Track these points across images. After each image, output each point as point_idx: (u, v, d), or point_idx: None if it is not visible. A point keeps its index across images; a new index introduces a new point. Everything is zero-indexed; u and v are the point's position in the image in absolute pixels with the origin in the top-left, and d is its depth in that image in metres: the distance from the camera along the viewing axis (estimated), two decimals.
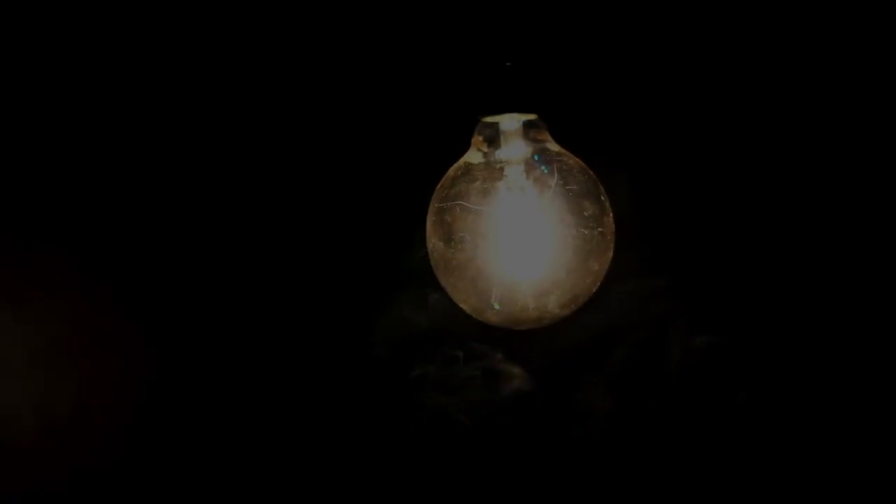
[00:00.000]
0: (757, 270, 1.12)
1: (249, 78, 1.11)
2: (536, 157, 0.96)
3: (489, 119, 0.97)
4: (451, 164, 0.99)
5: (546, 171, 0.95)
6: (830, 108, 1.12)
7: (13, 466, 1.12)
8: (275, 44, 1.11)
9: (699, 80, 1.12)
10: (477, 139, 0.97)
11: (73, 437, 1.13)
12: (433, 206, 0.97)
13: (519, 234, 0.94)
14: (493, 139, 0.97)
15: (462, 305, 0.97)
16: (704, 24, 1.12)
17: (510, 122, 0.97)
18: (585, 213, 0.94)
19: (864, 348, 1.14)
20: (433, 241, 0.96)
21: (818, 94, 1.12)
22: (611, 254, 0.98)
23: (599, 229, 0.95)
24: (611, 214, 0.97)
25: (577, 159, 0.98)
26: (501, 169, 0.96)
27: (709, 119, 1.12)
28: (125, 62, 1.11)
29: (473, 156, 0.97)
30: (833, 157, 1.13)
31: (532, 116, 0.97)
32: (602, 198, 0.96)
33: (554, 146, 0.97)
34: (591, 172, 0.97)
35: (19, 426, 1.12)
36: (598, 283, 0.98)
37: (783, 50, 1.12)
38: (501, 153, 0.97)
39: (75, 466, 1.13)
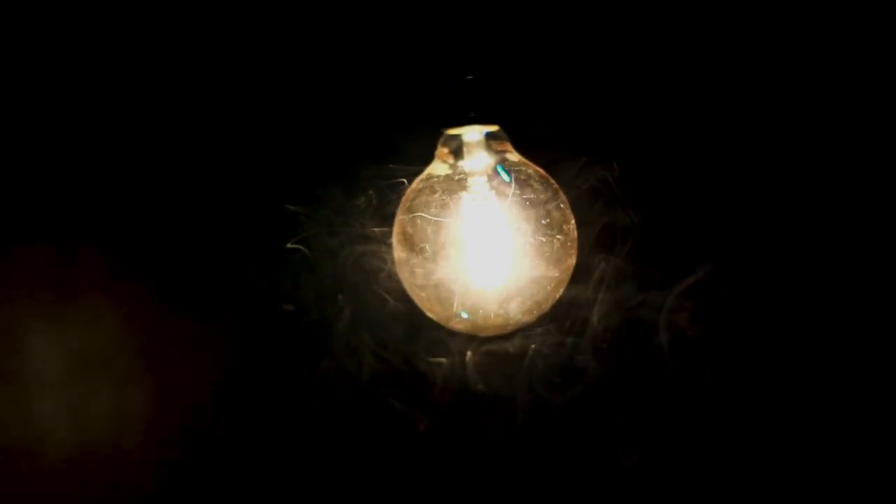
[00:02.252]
0: (738, 280, 1.13)
1: (218, 87, 1.14)
2: (499, 168, 0.98)
3: (452, 131, 0.99)
4: (415, 176, 1.01)
5: (507, 181, 0.97)
6: (812, 121, 1.13)
7: (48, 479, 1.15)
8: (248, 52, 1.13)
9: (663, 89, 1.13)
10: (441, 151, 1.00)
11: (110, 450, 1.16)
12: (397, 217, 0.99)
13: (480, 243, 0.96)
14: (457, 150, 0.99)
15: (429, 314, 0.99)
16: (670, 34, 1.13)
17: (473, 133, 0.99)
18: (543, 221, 0.96)
19: (865, 348, 1.14)
20: (398, 253, 0.99)
21: (795, 107, 1.13)
22: (572, 260, 0.99)
23: (559, 236, 0.97)
24: (572, 222, 0.99)
25: (538, 168, 0.99)
26: (464, 180, 0.98)
27: (674, 125, 1.13)
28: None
29: (437, 167, 1.00)
30: (824, 166, 1.13)
31: (494, 128, 0.99)
32: (562, 206, 0.98)
33: (514, 156, 0.99)
34: (552, 181, 0.99)
35: (55, 438, 1.15)
36: (561, 289, 0.99)
37: (753, 58, 1.12)
38: (465, 164, 0.99)
39: (111, 479, 1.17)
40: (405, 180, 1.04)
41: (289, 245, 1.10)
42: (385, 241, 1.06)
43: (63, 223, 1.14)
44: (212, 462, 1.18)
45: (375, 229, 1.08)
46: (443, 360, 1.09)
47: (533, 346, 1.09)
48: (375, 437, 1.17)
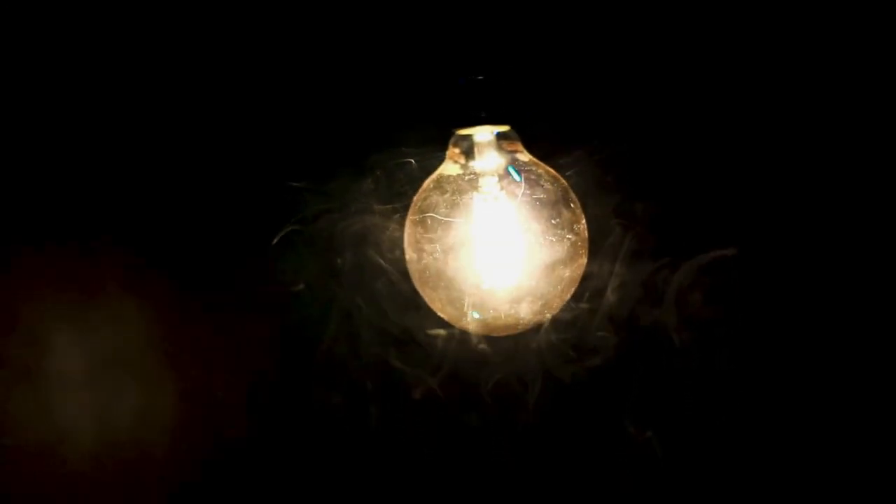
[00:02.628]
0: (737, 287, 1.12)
1: (226, 91, 1.15)
2: (509, 168, 0.98)
3: (463, 131, 0.99)
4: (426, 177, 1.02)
5: (517, 181, 0.97)
6: (821, 114, 1.13)
7: (70, 479, 1.16)
8: (255, 54, 1.14)
9: (672, 90, 1.13)
10: (452, 151, 1.00)
11: (132, 450, 1.17)
12: (408, 218, 1.00)
13: (490, 243, 0.97)
14: (468, 151, 0.99)
15: (440, 314, 1.00)
16: (677, 36, 1.13)
17: (484, 133, 0.99)
18: (553, 221, 0.96)
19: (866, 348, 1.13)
20: (409, 253, 0.99)
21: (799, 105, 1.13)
22: (583, 260, 0.99)
23: (569, 236, 0.97)
24: (583, 222, 0.99)
25: (548, 168, 0.99)
26: (475, 180, 0.98)
27: (681, 127, 1.13)
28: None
29: (448, 167, 1.00)
30: (840, 152, 1.13)
31: (505, 128, 0.99)
32: (572, 205, 0.98)
33: (525, 156, 0.99)
34: (562, 181, 0.99)
35: (78, 440, 1.16)
36: (572, 289, 0.99)
37: (760, 63, 1.12)
38: (476, 164, 0.99)
39: (133, 479, 1.18)
40: (413, 160, 1.05)
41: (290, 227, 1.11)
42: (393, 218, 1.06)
43: (85, 221, 1.15)
44: (234, 462, 1.19)
45: (388, 206, 1.08)
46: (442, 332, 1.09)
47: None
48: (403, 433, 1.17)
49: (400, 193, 1.07)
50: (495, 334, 1.00)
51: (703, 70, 1.14)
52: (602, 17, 1.13)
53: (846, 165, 1.13)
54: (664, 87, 1.13)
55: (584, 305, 1.08)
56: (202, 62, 1.14)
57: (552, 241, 0.96)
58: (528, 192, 0.96)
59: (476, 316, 0.98)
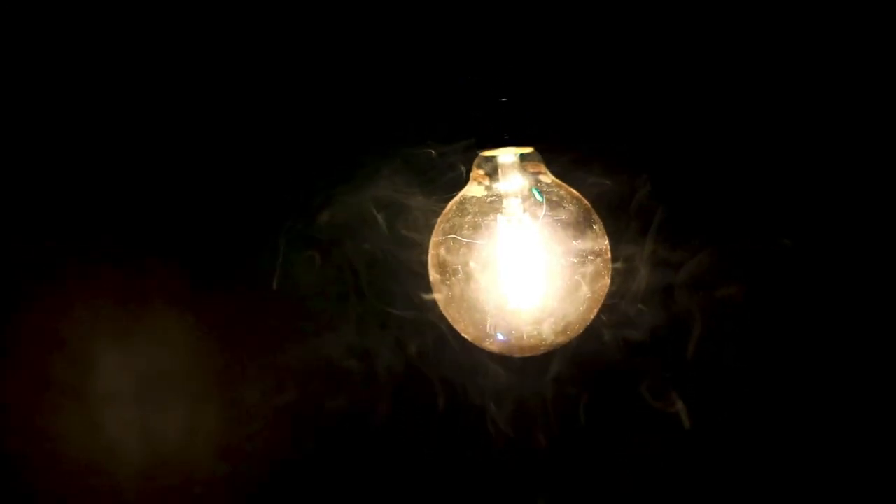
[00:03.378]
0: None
1: (249, 119, 1.17)
2: (533, 189, 0.99)
3: (487, 153, 1.00)
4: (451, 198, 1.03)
5: (540, 202, 0.98)
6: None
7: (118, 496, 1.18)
8: (282, 75, 1.16)
9: (691, 109, 1.14)
10: (476, 173, 1.01)
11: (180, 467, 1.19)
12: (432, 239, 1.01)
13: (513, 264, 0.97)
14: (492, 172, 1.00)
15: (464, 335, 1.00)
16: (696, 54, 1.13)
17: (507, 155, 1.00)
18: (575, 242, 0.96)
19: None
20: (432, 275, 1.00)
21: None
22: (606, 281, 0.99)
23: (590, 257, 0.97)
24: (605, 243, 0.99)
25: (571, 189, 1.00)
26: (499, 201, 0.99)
27: (702, 145, 1.14)
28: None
29: (472, 189, 1.01)
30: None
31: (528, 150, 1.00)
32: (595, 226, 0.98)
33: (548, 178, 1.00)
34: (585, 202, 0.99)
35: (125, 454, 1.18)
36: (595, 310, 0.99)
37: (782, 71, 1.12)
38: (499, 186, 1.00)
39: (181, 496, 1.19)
40: (433, 151, 1.06)
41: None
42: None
43: (133, 238, 1.17)
44: (282, 480, 1.21)
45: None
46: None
47: None
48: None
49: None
50: (518, 355, 1.00)
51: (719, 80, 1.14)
52: (626, 38, 1.13)
53: (862, 163, 1.13)
54: (685, 112, 1.14)
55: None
56: (237, 75, 1.16)
57: (574, 262, 0.96)
58: (549, 213, 0.97)
59: (500, 337, 0.98)
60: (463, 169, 1.06)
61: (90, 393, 1.17)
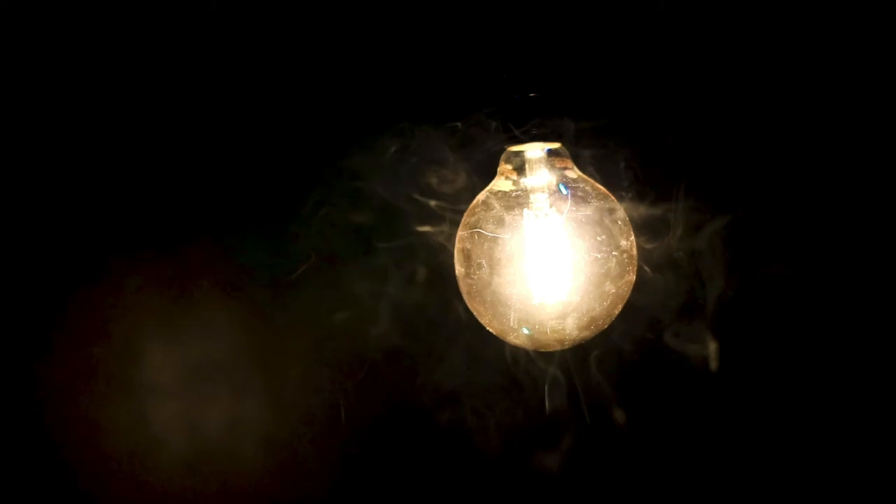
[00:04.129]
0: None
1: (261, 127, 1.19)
2: (561, 186, 0.99)
3: (515, 148, 1.01)
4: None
5: (565, 197, 0.98)
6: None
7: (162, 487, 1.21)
8: (306, 78, 1.17)
9: (717, 102, 1.13)
10: (503, 167, 1.01)
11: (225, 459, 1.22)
12: (458, 233, 1.02)
13: (538, 259, 0.98)
14: (519, 167, 1.01)
15: (488, 328, 1.01)
16: (723, 52, 1.13)
17: (535, 150, 1.00)
18: (599, 238, 0.96)
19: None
20: (458, 268, 1.01)
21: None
22: (631, 277, 0.99)
23: (614, 253, 0.97)
24: (631, 238, 0.99)
25: (597, 185, 1.00)
26: (526, 196, 0.99)
27: (726, 139, 1.14)
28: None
29: (499, 183, 1.01)
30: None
31: (556, 145, 1.00)
32: (620, 222, 0.98)
33: (574, 173, 1.00)
34: (612, 197, 0.99)
35: (171, 445, 1.21)
36: (620, 306, 0.99)
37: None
38: (526, 181, 1.00)
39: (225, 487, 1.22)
40: (459, 124, 1.07)
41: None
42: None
43: (178, 231, 1.19)
44: (327, 473, 1.22)
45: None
46: None
47: None
48: None
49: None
50: (543, 350, 1.01)
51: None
52: (650, 36, 1.13)
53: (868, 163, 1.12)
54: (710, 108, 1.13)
55: None
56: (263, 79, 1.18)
57: (597, 257, 0.96)
58: (574, 208, 0.97)
59: (525, 331, 0.99)
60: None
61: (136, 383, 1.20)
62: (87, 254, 1.19)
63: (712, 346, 1.11)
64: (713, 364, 1.11)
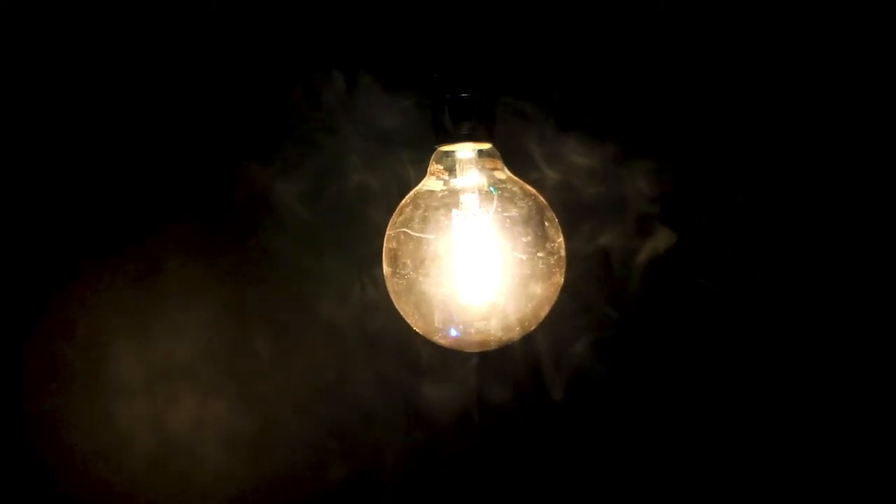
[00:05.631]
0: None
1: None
2: (492, 188, 0.99)
3: (446, 148, 1.00)
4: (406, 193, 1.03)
5: (493, 197, 0.98)
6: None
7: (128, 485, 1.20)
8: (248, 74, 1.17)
9: (657, 105, 1.13)
10: (434, 167, 1.01)
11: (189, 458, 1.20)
12: (387, 232, 1.01)
13: (464, 260, 0.97)
14: (450, 167, 1.00)
15: (415, 328, 1.01)
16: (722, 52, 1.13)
17: (465, 150, 1.00)
18: (524, 239, 0.96)
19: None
20: (385, 268, 1.00)
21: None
22: (558, 279, 0.99)
23: (539, 254, 0.96)
24: (558, 240, 0.98)
25: (525, 186, 1.00)
26: (455, 196, 0.99)
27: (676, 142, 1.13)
28: None
29: (429, 183, 1.01)
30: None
31: (487, 146, 1.00)
32: (546, 223, 0.98)
33: (503, 174, 1.00)
34: (540, 199, 0.99)
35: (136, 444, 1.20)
36: (547, 308, 0.99)
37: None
38: (456, 181, 1.00)
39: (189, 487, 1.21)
40: None
41: None
42: None
43: (148, 230, 1.18)
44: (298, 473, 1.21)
45: None
46: None
47: None
48: None
49: None
50: (468, 350, 1.00)
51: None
52: (588, 34, 1.13)
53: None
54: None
55: None
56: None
57: (522, 258, 0.96)
58: (500, 209, 0.97)
59: (453, 333, 0.98)
60: None
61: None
62: (55, 253, 1.18)
63: None
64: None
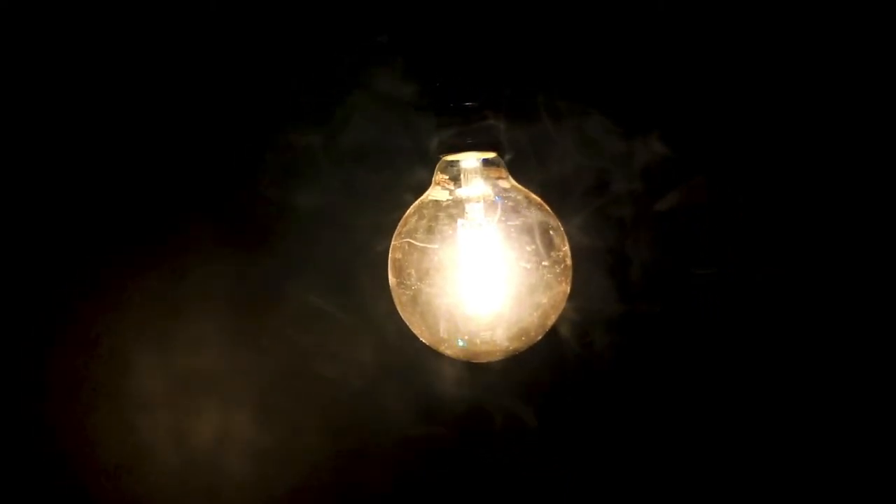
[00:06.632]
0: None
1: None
2: (497, 198, 0.98)
3: (450, 157, 1.00)
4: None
5: (497, 207, 0.97)
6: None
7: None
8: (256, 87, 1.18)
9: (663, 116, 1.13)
10: (438, 177, 1.01)
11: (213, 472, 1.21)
12: (392, 243, 1.01)
13: (469, 269, 0.97)
14: (454, 177, 1.00)
15: (421, 339, 1.00)
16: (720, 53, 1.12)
17: (470, 160, 1.00)
18: (528, 248, 0.95)
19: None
20: (390, 278, 1.00)
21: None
22: (563, 287, 0.98)
23: (544, 263, 0.96)
24: (564, 249, 0.97)
25: (530, 195, 0.99)
26: (460, 205, 0.99)
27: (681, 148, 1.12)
28: None
29: (434, 193, 1.01)
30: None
31: (491, 155, 0.99)
32: (551, 232, 0.97)
33: (507, 183, 0.99)
34: (546, 207, 0.98)
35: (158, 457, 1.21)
36: (553, 316, 0.98)
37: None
38: (461, 191, 0.99)
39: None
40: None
41: None
42: None
43: (171, 240, 1.20)
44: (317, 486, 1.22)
45: None
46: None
47: None
48: None
49: None
50: (475, 360, 1.00)
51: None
52: (588, 35, 1.12)
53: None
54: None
55: None
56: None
57: (527, 268, 0.95)
58: (504, 218, 0.96)
59: (460, 343, 0.98)
60: None
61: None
62: (79, 264, 1.19)
63: None
64: None
